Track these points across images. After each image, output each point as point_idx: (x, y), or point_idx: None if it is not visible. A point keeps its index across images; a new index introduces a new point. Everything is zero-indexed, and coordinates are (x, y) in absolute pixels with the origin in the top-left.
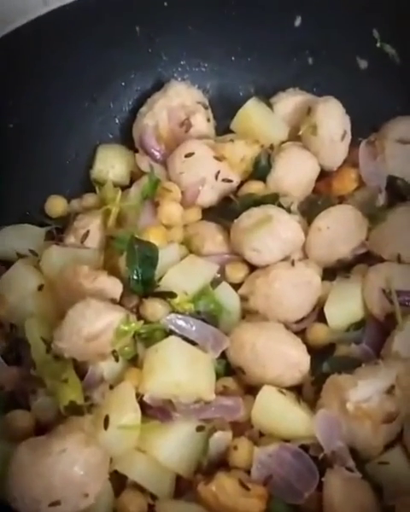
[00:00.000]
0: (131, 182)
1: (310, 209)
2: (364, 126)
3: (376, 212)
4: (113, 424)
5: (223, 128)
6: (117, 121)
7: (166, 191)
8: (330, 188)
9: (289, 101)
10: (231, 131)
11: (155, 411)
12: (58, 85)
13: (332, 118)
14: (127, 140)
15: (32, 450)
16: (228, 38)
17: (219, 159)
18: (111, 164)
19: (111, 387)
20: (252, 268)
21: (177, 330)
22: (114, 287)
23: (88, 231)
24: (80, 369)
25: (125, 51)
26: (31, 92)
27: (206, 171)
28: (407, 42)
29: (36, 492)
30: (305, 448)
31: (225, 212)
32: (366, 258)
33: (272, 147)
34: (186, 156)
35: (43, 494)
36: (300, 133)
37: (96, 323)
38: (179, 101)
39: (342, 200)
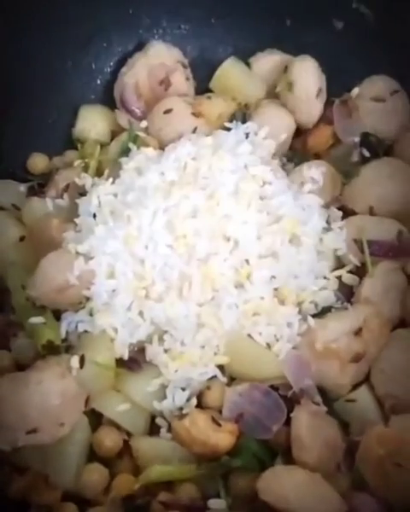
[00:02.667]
0: (112, 140)
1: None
2: (339, 86)
3: (350, 168)
4: (88, 362)
5: (202, 89)
6: (99, 82)
7: (145, 145)
8: (306, 145)
9: (267, 61)
10: (210, 92)
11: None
12: (41, 45)
13: (308, 75)
14: (109, 100)
15: (11, 383)
16: (208, 0)
17: (196, 115)
18: (93, 123)
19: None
20: None
21: None
22: None
23: (68, 184)
24: (58, 313)
25: (106, 12)
26: (13, 51)
27: (183, 126)
28: (382, 2)
29: (13, 421)
30: (275, 388)
31: None
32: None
33: (247, 106)
34: (165, 112)
35: (20, 423)
36: (277, 91)
37: (68, 274)
38: (159, 61)
39: (317, 157)
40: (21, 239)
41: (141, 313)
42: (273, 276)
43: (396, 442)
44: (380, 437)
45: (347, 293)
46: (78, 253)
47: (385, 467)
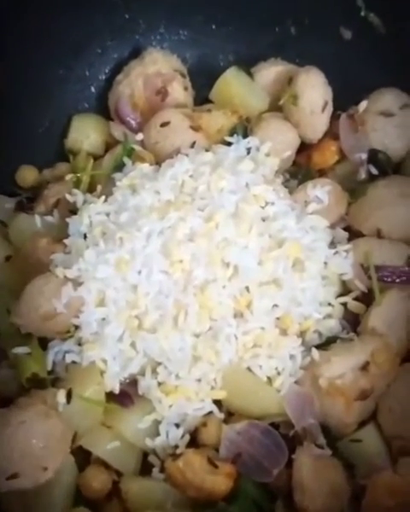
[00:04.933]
0: (107, 152)
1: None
2: (346, 99)
3: (357, 186)
4: (76, 397)
5: (202, 99)
6: (93, 90)
7: (140, 159)
8: (310, 161)
9: (270, 71)
10: (210, 102)
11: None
12: (32, 51)
13: (314, 88)
14: (103, 109)
15: None
16: (208, 5)
17: (195, 129)
18: (86, 133)
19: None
20: None
21: None
22: None
23: (58, 200)
24: (45, 340)
25: (101, 17)
26: (3, 58)
27: (181, 140)
28: (392, 11)
29: None
30: (275, 426)
31: None
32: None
33: (248, 119)
34: (162, 125)
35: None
36: (280, 103)
37: (55, 301)
38: (156, 69)
39: (322, 173)
40: (7, 258)
41: (133, 344)
42: (275, 305)
43: (407, 492)
44: (389, 486)
45: (352, 322)
46: (66, 279)
47: None
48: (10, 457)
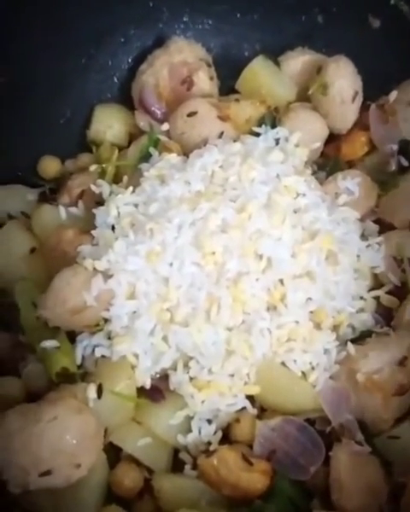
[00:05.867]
0: (130, 143)
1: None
2: (375, 89)
3: (387, 177)
4: (107, 392)
5: (227, 89)
6: (116, 80)
7: (167, 150)
8: (339, 152)
9: (298, 61)
10: (235, 92)
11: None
12: (53, 40)
13: (343, 77)
14: (126, 100)
15: (22, 418)
16: None
17: (223, 119)
18: (109, 124)
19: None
20: None
21: None
22: None
23: (82, 191)
24: (73, 334)
25: (124, 5)
26: (24, 46)
27: (209, 131)
28: None
29: (24, 462)
30: (311, 422)
31: None
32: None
33: (277, 110)
34: (189, 115)
35: (31, 463)
36: (309, 93)
37: (84, 294)
38: (181, 58)
39: (351, 165)
40: (32, 251)
41: (165, 338)
42: (309, 298)
43: None
44: None
45: (386, 316)
46: (95, 270)
47: None
48: (42, 454)
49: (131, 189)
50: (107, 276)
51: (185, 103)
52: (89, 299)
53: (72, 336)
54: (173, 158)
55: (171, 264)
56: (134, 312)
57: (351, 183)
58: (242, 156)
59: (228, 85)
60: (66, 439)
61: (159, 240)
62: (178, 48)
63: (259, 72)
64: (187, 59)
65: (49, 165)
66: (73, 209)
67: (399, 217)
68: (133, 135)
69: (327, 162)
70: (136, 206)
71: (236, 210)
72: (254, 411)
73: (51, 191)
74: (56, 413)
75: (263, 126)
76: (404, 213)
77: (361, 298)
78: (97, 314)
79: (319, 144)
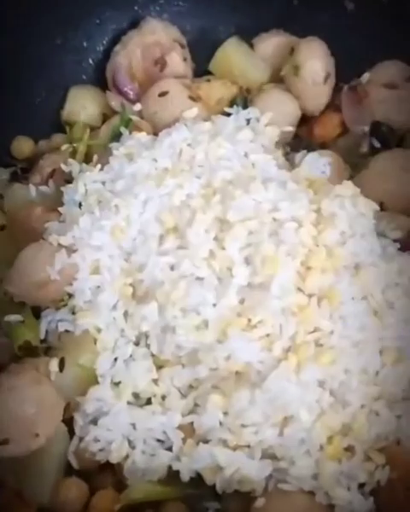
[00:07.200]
0: (104, 123)
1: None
2: (349, 71)
3: (359, 159)
4: (69, 365)
5: (202, 72)
6: (91, 61)
7: (137, 129)
8: (311, 133)
9: (272, 42)
10: (211, 75)
11: None
12: (28, 21)
13: (316, 58)
14: (102, 82)
15: None
16: None
17: (194, 99)
18: (83, 104)
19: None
20: None
21: None
22: None
23: (53, 170)
24: (39, 310)
25: None
26: None
27: (180, 111)
28: None
29: None
30: None
31: None
32: None
33: (249, 90)
34: (160, 95)
35: None
36: (282, 74)
37: (48, 268)
38: (154, 39)
39: (324, 147)
40: (2, 228)
41: (126, 313)
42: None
43: None
44: None
45: None
46: (60, 246)
47: None
48: (1, 423)
49: (99, 166)
50: (71, 250)
51: (157, 83)
52: (52, 273)
53: (38, 312)
54: (143, 136)
55: (134, 239)
56: (98, 287)
57: (322, 162)
58: (210, 135)
59: (204, 68)
60: (24, 409)
61: (124, 215)
62: (152, 28)
63: (231, 53)
64: (160, 40)
65: (23, 146)
66: (43, 188)
67: (369, 198)
68: (107, 116)
69: (300, 143)
70: (103, 183)
71: (201, 186)
72: None
73: (24, 171)
74: (16, 383)
75: (235, 107)
76: (374, 194)
77: None
78: (61, 289)
79: (290, 125)
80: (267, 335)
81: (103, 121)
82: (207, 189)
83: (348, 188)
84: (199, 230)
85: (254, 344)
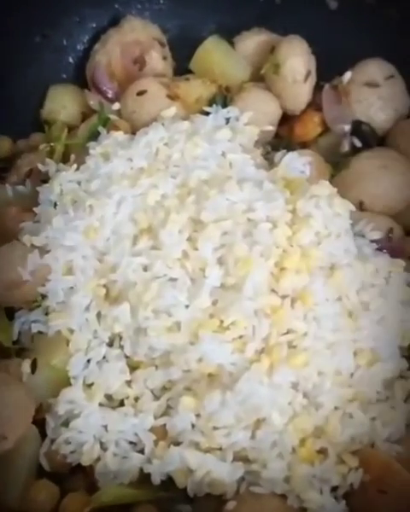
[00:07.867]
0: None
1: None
2: (330, 70)
3: (340, 158)
4: (41, 366)
5: (183, 71)
6: (71, 60)
7: (115, 128)
8: (292, 133)
9: (253, 41)
10: (191, 73)
11: None
12: (7, 19)
13: (296, 56)
14: (82, 81)
15: None
16: None
17: (172, 97)
18: (62, 104)
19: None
20: None
21: None
22: None
23: (31, 170)
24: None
25: None
26: None
27: (158, 110)
28: None
29: None
30: None
31: None
32: None
33: (228, 89)
34: (138, 94)
35: None
36: (262, 72)
37: (20, 269)
38: (134, 37)
39: (305, 146)
40: None
41: (99, 315)
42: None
43: None
44: None
45: None
46: (33, 246)
47: None
48: None
49: (75, 166)
50: (44, 251)
51: (135, 82)
52: (24, 274)
53: (11, 313)
54: (120, 136)
55: (108, 240)
56: (71, 288)
57: (301, 162)
58: (188, 134)
59: (185, 66)
60: None
61: (98, 215)
62: (132, 27)
63: (212, 51)
64: (140, 38)
65: (1, 145)
66: (20, 187)
67: (349, 197)
68: (86, 114)
69: (280, 143)
70: (79, 183)
71: (176, 186)
72: None
73: (2, 170)
74: None
75: (214, 106)
76: (354, 193)
77: None
78: (34, 289)
79: (271, 124)
80: (240, 337)
81: (82, 120)
82: (182, 189)
83: (324, 187)
84: (172, 231)
85: (227, 345)
